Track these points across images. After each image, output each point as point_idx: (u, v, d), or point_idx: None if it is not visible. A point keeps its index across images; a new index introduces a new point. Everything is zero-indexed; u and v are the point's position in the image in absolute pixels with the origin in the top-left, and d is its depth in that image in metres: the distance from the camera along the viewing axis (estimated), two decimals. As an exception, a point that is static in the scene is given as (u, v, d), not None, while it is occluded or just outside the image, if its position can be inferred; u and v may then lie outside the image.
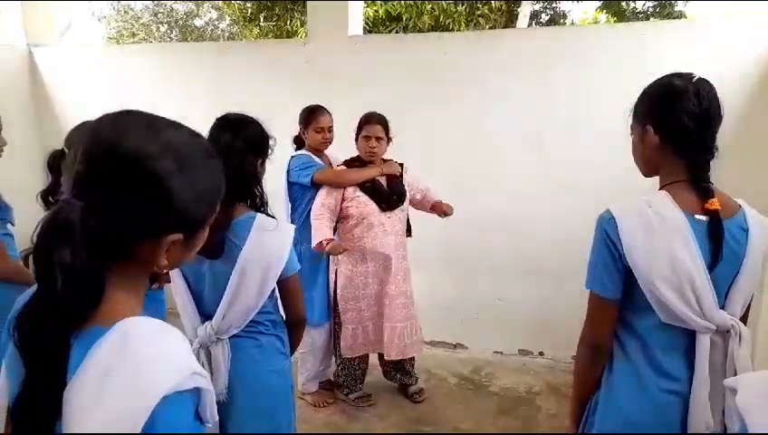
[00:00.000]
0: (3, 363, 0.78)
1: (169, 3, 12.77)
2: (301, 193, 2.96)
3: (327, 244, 2.78)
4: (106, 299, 0.71)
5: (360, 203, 2.85)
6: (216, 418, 0.76)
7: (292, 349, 1.82)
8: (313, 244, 2.82)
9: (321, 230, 2.82)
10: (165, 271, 0.79)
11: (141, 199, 0.71)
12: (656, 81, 1.34)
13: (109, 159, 0.69)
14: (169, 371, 0.67)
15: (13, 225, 2.40)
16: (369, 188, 2.87)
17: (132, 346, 0.67)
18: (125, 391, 0.64)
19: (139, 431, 0.62)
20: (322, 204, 2.86)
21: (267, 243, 1.60)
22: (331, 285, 3.00)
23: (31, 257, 0.69)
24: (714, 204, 1.23)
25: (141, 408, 0.63)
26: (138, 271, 0.78)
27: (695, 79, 1.27)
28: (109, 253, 0.71)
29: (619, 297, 1.32)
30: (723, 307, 1.28)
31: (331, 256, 2.98)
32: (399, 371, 3.18)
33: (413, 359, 3.17)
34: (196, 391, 0.70)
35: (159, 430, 0.63)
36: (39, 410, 0.66)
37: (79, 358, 0.67)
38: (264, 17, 10.55)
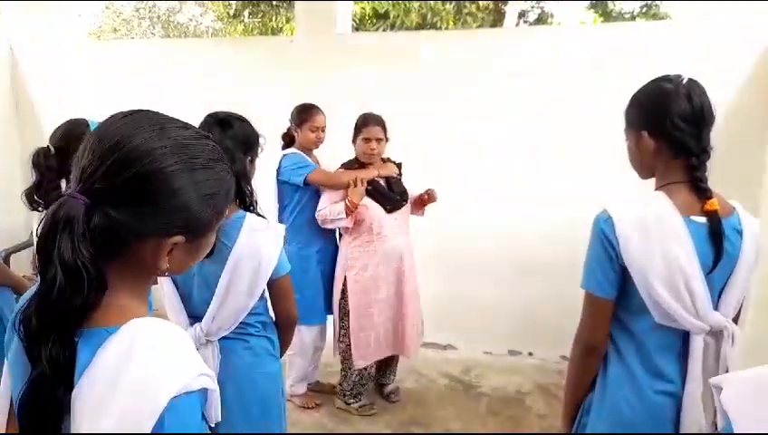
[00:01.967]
0: (7, 359, 0.77)
1: (152, -1, 12.60)
2: (290, 193, 2.92)
3: (351, 202, 2.71)
4: (110, 302, 0.71)
5: (366, 208, 2.79)
6: (220, 418, 0.75)
7: (282, 350, 1.81)
8: (346, 222, 2.75)
9: (337, 209, 2.76)
10: (167, 275, 0.78)
11: (145, 196, 0.70)
12: (646, 85, 1.33)
13: (116, 155, 0.69)
14: (178, 372, 0.67)
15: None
16: (371, 191, 2.82)
17: (140, 347, 0.67)
18: (135, 392, 0.64)
19: (148, 432, 0.63)
20: (327, 206, 2.81)
21: (258, 243, 1.58)
22: (337, 292, 2.94)
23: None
24: (713, 205, 1.23)
25: (151, 409, 0.63)
26: (140, 273, 0.77)
27: (685, 81, 1.27)
28: (110, 250, 0.70)
29: (614, 297, 1.31)
30: (716, 308, 1.29)
31: (339, 263, 2.94)
32: (381, 370, 3.16)
33: (398, 358, 3.17)
34: (204, 392, 0.70)
35: (168, 430, 0.64)
36: (46, 408, 0.66)
37: (85, 359, 0.67)
38: (249, 14, 10.46)
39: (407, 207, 2.96)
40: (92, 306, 0.68)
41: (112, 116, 0.74)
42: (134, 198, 0.69)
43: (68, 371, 0.66)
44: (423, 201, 2.97)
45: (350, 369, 3.00)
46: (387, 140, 2.90)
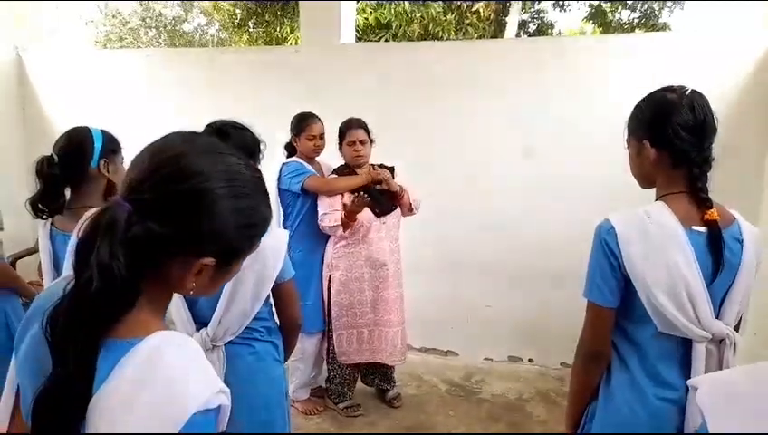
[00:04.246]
0: (16, 358, 0.78)
1: (158, 7, 12.68)
2: (292, 200, 2.96)
3: (344, 213, 2.75)
4: (133, 314, 0.71)
5: None
6: (225, 427, 0.76)
7: (287, 355, 1.82)
8: (343, 231, 2.79)
9: (335, 217, 2.80)
10: (191, 294, 0.79)
11: (188, 214, 0.71)
12: (649, 95, 1.35)
13: (169, 168, 0.71)
14: (200, 389, 0.68)
15: (1, 229, 2.36)
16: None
17: (163, 362, 0.68)
18: (155, 407, 0.64)
19: None
20: (329, 211, 2.85)
21: (262, 248, 1.59)
22: (325, 292, 2.98)
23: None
24: (713, 215, 1.24)
25: (171, 424, 0.64)
26: (164, 289, 0.78)
27: (688, 92, 1.28)
28: (141, 262, 0.71)
29: (616, 306, 1.32)
30: (718, 316, 1.30)
31: (325, 263, 2.97)
32: (380, 376, 3.17)
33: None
34: (219, 409, 0.71)
35: None
36: (64, 406, 0.66)
37: (106, 369, 0.67)
38: (254, 23, 10.54)
39: (397, 213, 2.98)
40: (123, 312, 0.69)
41: (171, 133, 0.78)
42: (177, 213, 0.71)
43: (90, 373, 0.66)
44: (397, 195, 2.94)
45: (335, 369, 3.04)
46: (372, 142, 2.94)
